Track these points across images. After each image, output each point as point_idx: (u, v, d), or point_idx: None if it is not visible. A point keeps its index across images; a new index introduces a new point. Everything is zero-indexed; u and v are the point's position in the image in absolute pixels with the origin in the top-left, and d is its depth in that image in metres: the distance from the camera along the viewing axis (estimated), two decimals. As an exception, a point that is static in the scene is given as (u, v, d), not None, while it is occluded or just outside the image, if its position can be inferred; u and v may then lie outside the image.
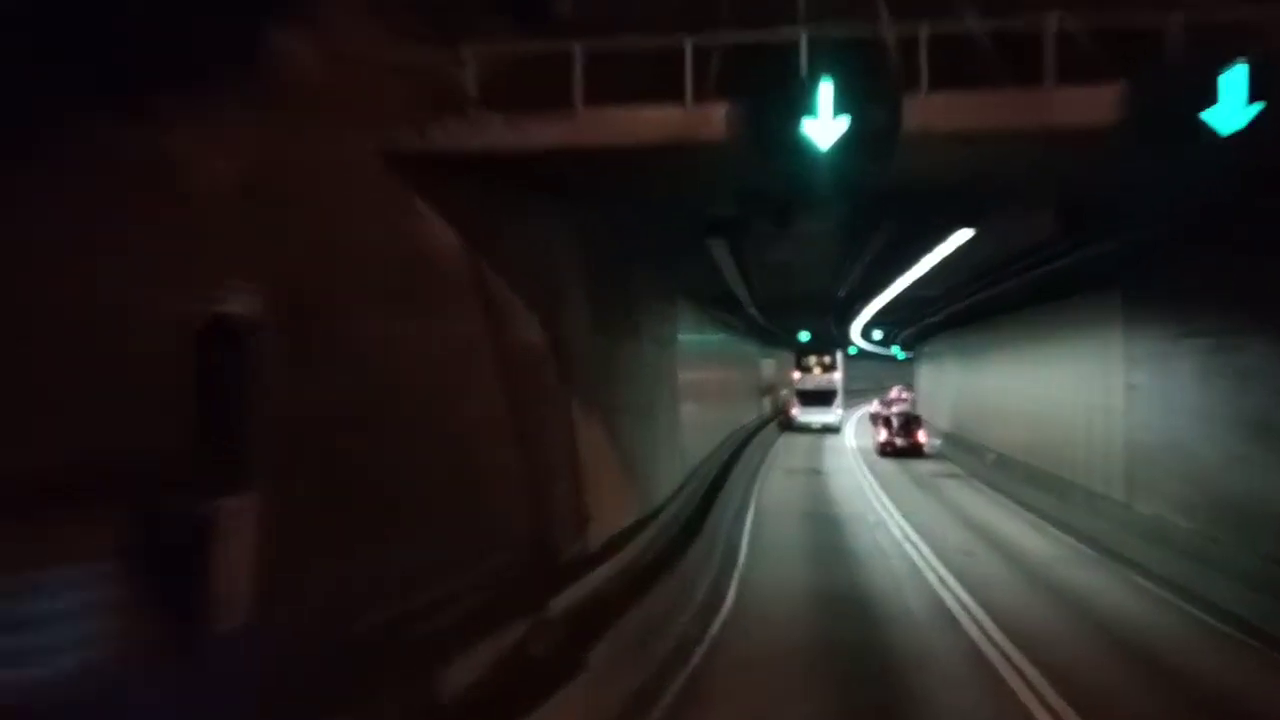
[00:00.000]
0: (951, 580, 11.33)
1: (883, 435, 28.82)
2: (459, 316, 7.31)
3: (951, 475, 23.36)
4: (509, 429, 7.76)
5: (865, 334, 37.94)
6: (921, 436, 28.33)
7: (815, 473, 23.66)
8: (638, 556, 9.70)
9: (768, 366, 39.35)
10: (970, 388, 26.71)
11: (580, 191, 8.76)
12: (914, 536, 14.41)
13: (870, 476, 22.79)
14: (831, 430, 37.36)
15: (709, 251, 12.89)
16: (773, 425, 37.82)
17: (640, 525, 10.99)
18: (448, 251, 7.21)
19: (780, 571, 11.75)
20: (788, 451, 29.87)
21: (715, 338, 23.28)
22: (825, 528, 15.31)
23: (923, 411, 35.82)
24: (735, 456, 23.22)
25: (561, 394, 8.94)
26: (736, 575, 11.30)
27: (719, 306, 22.31)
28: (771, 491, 19.62)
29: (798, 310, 25.49)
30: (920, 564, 12.38)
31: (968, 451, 25.87)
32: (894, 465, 25.95)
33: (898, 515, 16.55)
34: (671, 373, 14.58)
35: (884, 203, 9.97)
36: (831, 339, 39.68)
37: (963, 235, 11.23)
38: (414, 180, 6.69)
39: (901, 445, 27.69)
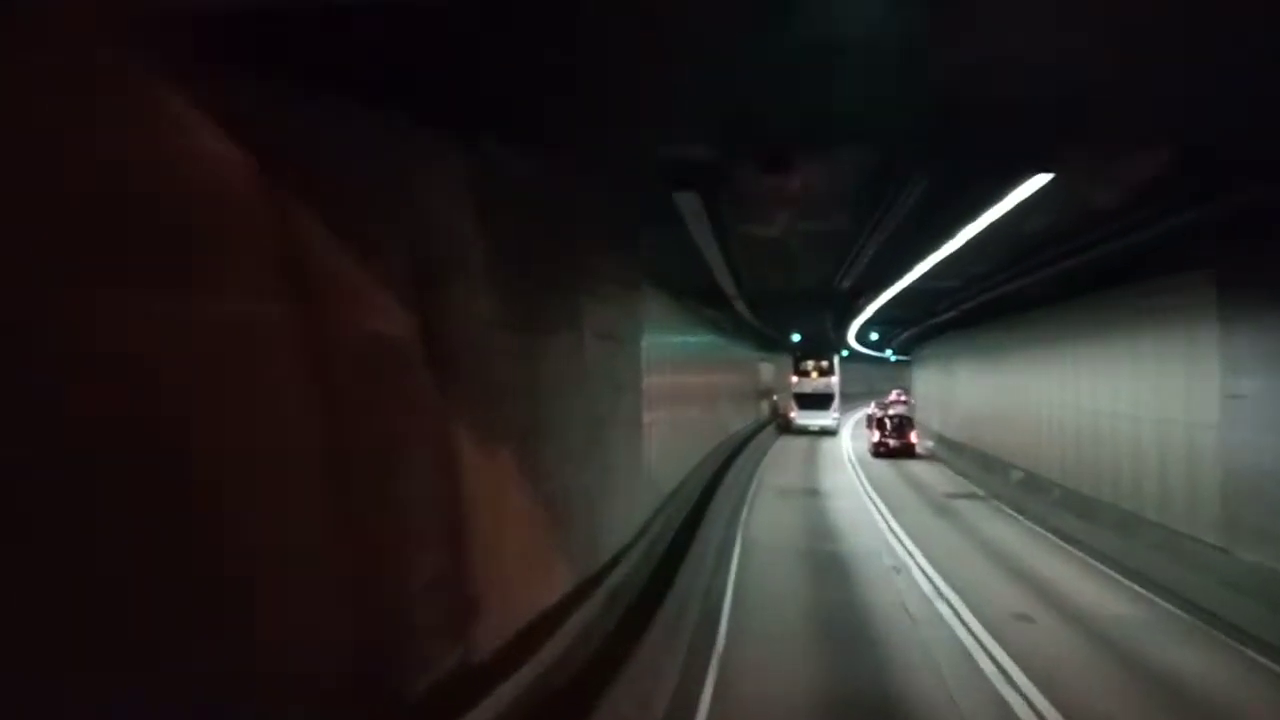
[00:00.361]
0: (1017, 672, 8.08)
1: (876, 436, 29.96)
2: (239, 288, 4.09)
3: (970, 496, 20.17)
4: (326, 474, 4.53)
5: (862, 335, 35.03)
6: (913, 437, 29.72)
7: (813, 493, 20.42)
8: (560, 661, 6.43)
9: (765, 370, 39.07)
10: (986, 393, 23.56)
11: (466, 101, 5.53)
12: (946, 589, 11.18)
13: (876, 498, 19.57)
14: (829, 433, 37.22)
15: (680, 219, 9.63)
16: (766, 431, 35.18)
17: (577, 597, 7.74)
18: (227, 186, 4.03)
19: (775, 660, 8.46)
20: (781, 464, 26.65)
21: (698, 338, 20.05)
22: (831, 576, 12.05)
23: (926, 419, 33.95)
24: (721, 474, 20.03)
25: (437, 413, 5.69)
26: (712, 673, 7.95)
27: (702, 300, 19.11)
28: (762, 520, 16.36)
29: (793, 306, 22.21)
30: (966, 639, 9.14)
31: (984, 467, 22.73)
32: (901, 481, 22.78)
33: (918, 554, 13.32)
34: (635, 379, 11.33)
35: (934, 129, 6.78)
36: (828, 342, 37.65)
37: (1032, 185, 8.01)
38: (166, 63, 3.61)
39: (894, 446, 29.08)
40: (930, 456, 29.92)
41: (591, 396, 9.00)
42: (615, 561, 9.58)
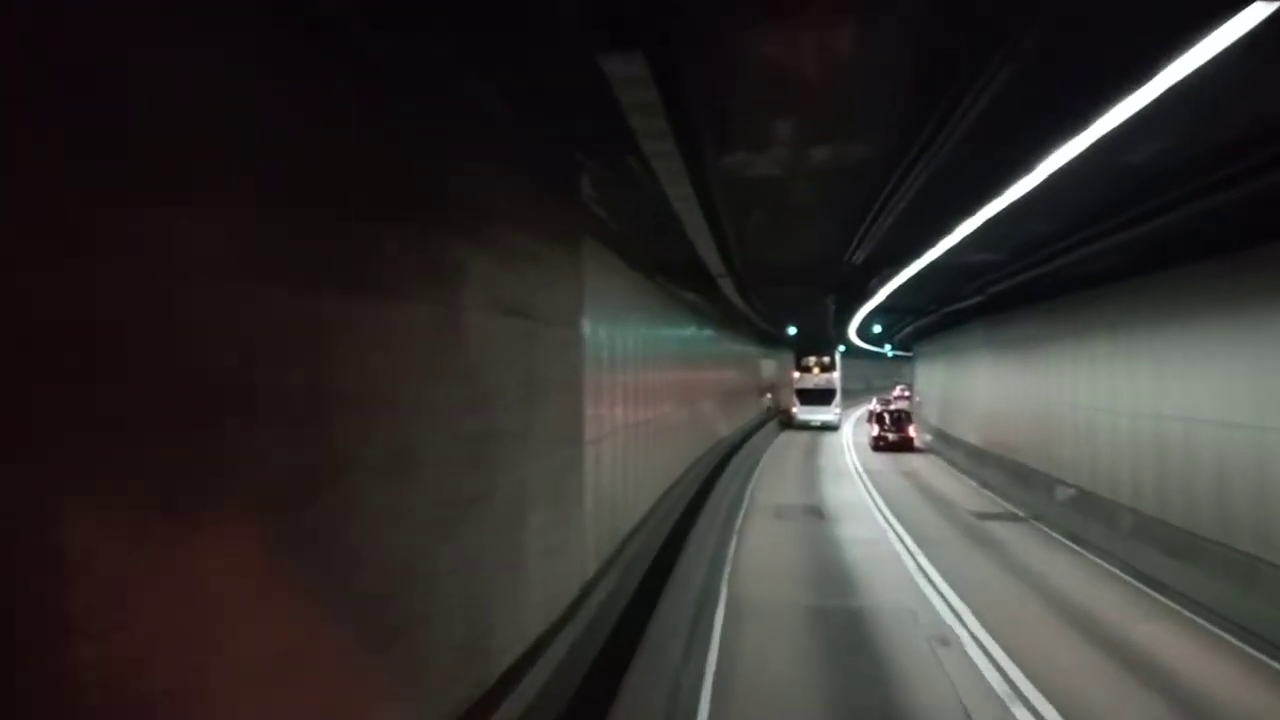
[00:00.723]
0: None
1: (875, 430, 30.40)
2: None
3: (1008, 518, 16.74)
4: None
5: (864, 327, 31.75)
6: (911, 432, 30.03)
7: (816, 514, 16.97)
8: None
9: (766, 367, 38.96)
10: (1016, 391, 20.15)
11: None
12: (1022, 681, 7.75)
13: (894, 519, 16.15)
14: (830, 428, 37.08)
15: (630, 134, 6.18)
16: (761, 433, 32.12)
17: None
18: None
19: None
20: (777, 473, 23.22)
21: (679, 329, 16.59)
22: (853, 656, 8.58)
23: (935, 420, 31.54)
24: (705, 492, 16.60)
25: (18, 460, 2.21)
26: None
27: (680, 281, 15.66)
28: (755, 559, 12.91)
29: (792, 287, 18.68)
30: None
31: (1017, 479, 19.34)
32: (919, 496, 19.37)
33: (966, 613, 9.91)
34: (572, 378, 7.84)
35: None
36: (828, 336, 35.08)
37: (1241, 25, 4.57)
38: None
39: (893, 439, 29.56)
40: (937, 456, 26.68)
41: (480, 405, 5.52)
42: (528, 662, 6.13)
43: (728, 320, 24.52)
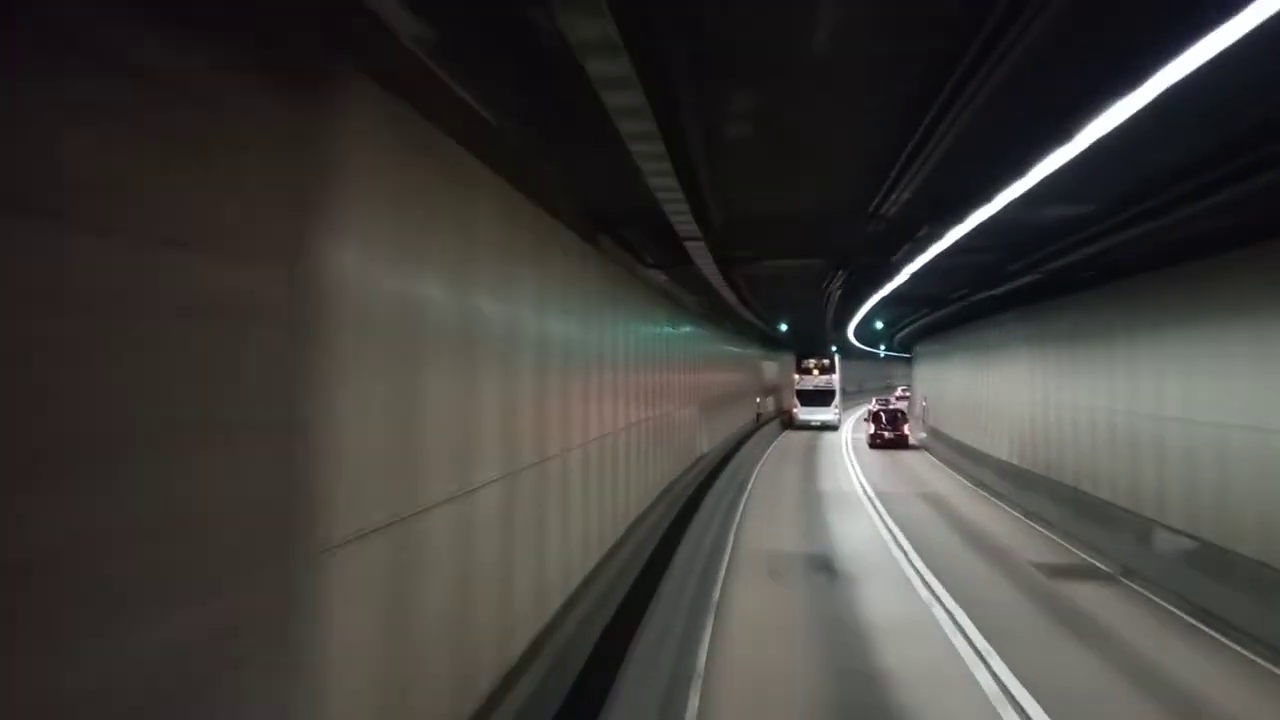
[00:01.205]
0: None
1: (873, 429, 32.16)
2: None
3: (1090, 575, 12.18)
4: None
5: (866, 324, 27.45)
6: (906, 430, 31.68)
7: (824, 570, 12.39)
8: None
9: (768, 370, 39.24)
10: (1074, 400, 15.66)
11: None
12: None
13: (934, 580, 11.60)
14: (830, 428, 38.26)
15: None
16: (753, 441, 28.49)
17: None
18: None
19: None
20: (769, 499, 18.60)
21: (640, 324, 12.01)
22: None
23: (947, 429, 27.96)
24: (671, 543, 12.09)
25: None
26: None
27: (640, 251, 11.13)
28: (735, 682, 8.33)
29: (788, 258, 14.02)
30: None
31: (1078, 512, 14.84)
32: (956, 536, 14.88)
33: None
34: (269, 397, 3.28)
35: None
36: (824, 333, 31.56)
37: None
38: None
39: (890, 437, 31.31)
40: (960, 474, 22.25)
41: None
42: None
43: (713, 315, 20.01)
